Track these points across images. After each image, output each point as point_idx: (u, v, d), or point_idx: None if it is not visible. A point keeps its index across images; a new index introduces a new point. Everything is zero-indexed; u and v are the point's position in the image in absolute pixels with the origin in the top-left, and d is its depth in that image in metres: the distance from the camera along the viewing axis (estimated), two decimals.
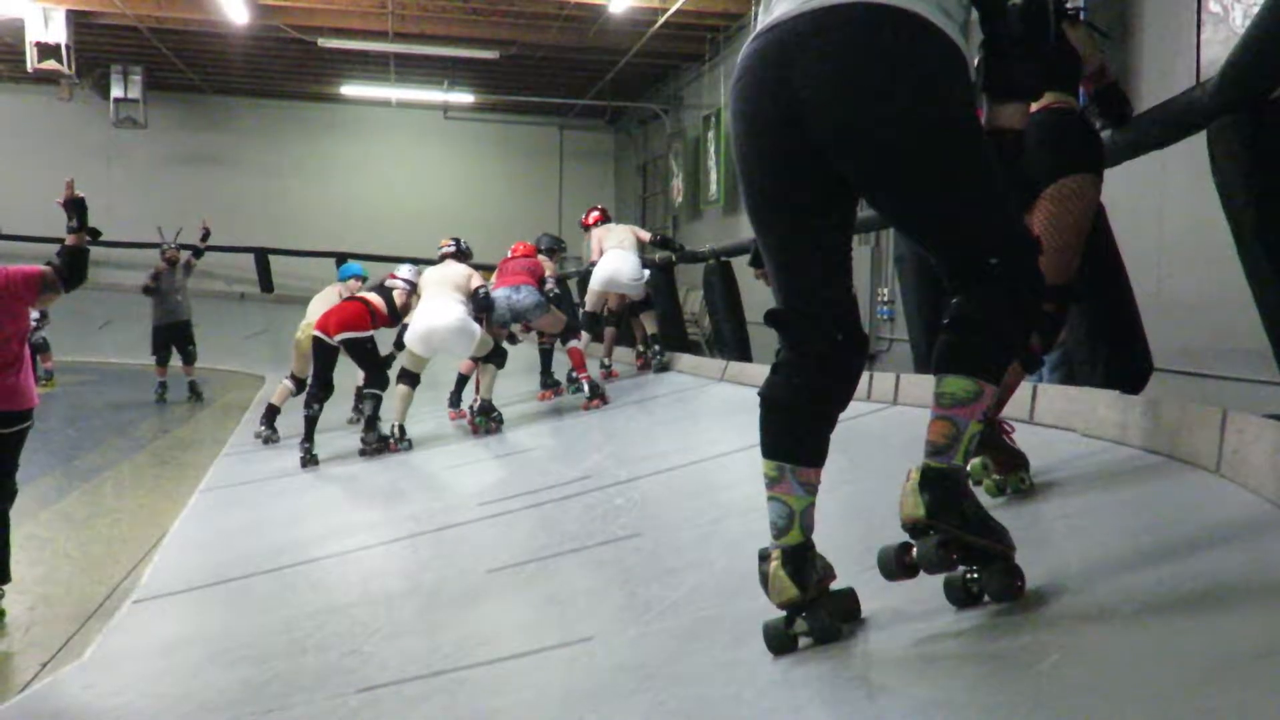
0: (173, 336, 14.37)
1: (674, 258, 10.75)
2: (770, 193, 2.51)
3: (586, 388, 9.08)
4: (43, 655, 4.79)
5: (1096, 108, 4.21)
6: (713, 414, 7.54)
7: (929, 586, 2.66)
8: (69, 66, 16.34)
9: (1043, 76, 2.53)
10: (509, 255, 9.93)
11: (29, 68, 16.33)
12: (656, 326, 10.37)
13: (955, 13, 2.39)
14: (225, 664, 4.17)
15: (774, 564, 2.64)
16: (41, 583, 6.26)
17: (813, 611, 2.67)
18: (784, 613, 2.67)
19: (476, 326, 8.80)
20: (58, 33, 15.93)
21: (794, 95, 2.37)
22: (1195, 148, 4.20)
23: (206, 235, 16.30)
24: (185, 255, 15.19)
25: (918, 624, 2.69)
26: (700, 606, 3.37)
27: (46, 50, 15.98)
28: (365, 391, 9.08)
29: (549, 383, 10.48)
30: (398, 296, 9.37)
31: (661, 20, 15.71)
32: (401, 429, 8.82)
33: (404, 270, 9.75)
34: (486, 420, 8.99)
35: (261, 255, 22.30)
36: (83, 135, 22.33)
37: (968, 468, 2.65)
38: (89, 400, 13.97)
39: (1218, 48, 6.56)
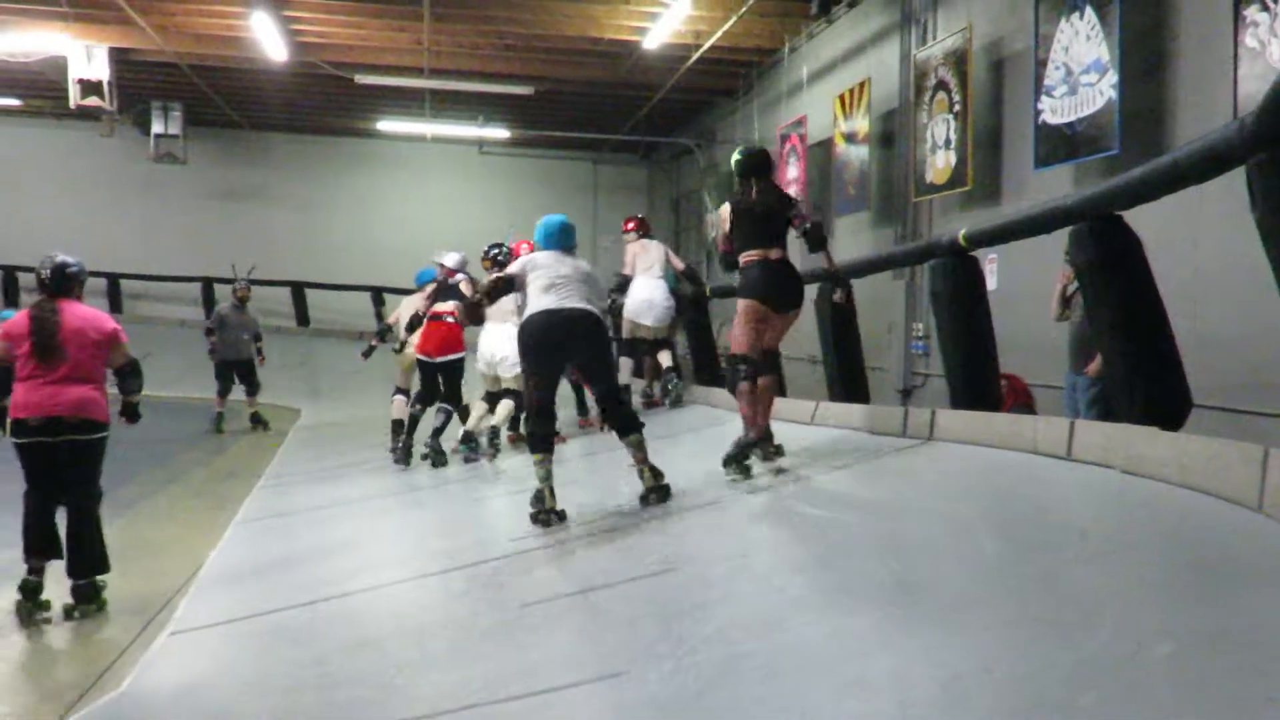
0: (237, 370, 15.03)
1: (705, 291, 10.79)
2: (549, 363, 6.37)
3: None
4: (81, 686, 4.80)
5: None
6: None
7: (969, 634, 2.64)
8: (110, 103, 16.57)
9: (819, 244, 6.45)
10: None
11: (72, 104, 16.56)
12: (674, 360, 10.42)
13: (600, 306, 6.65)
14: (259, 696, 4.17)
15: None
16: (80, 615, 6.30)
17: None
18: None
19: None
20: (100, 69, 16.17)
21: (571, 337, 6.35)
22: (1232, 182, 4.17)
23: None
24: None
25: (947, 667, 2.67)
26: (732, 641, 3.35)
27: (89, 87, 16.22)
28: (442, 407, 9.83)
29: (586, 410, 10.74)
30: (465, 288, 9.65)
31: (696, 56, 15.78)
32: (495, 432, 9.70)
33: (450, 259, 10.12)
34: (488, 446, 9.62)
35: (298, 289, 22.48)
36: (123, 170, 22.64)
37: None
38: (127, 433, 14.01)
39: (1255, 82, 6.53)
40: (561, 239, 7.03)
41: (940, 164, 10.87)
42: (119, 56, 16.50)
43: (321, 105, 21.48)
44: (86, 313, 6.57)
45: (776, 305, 6.35)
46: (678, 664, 3.22)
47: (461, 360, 9.91)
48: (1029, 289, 9.22)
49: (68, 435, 6.31)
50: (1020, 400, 7.97)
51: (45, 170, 22.95)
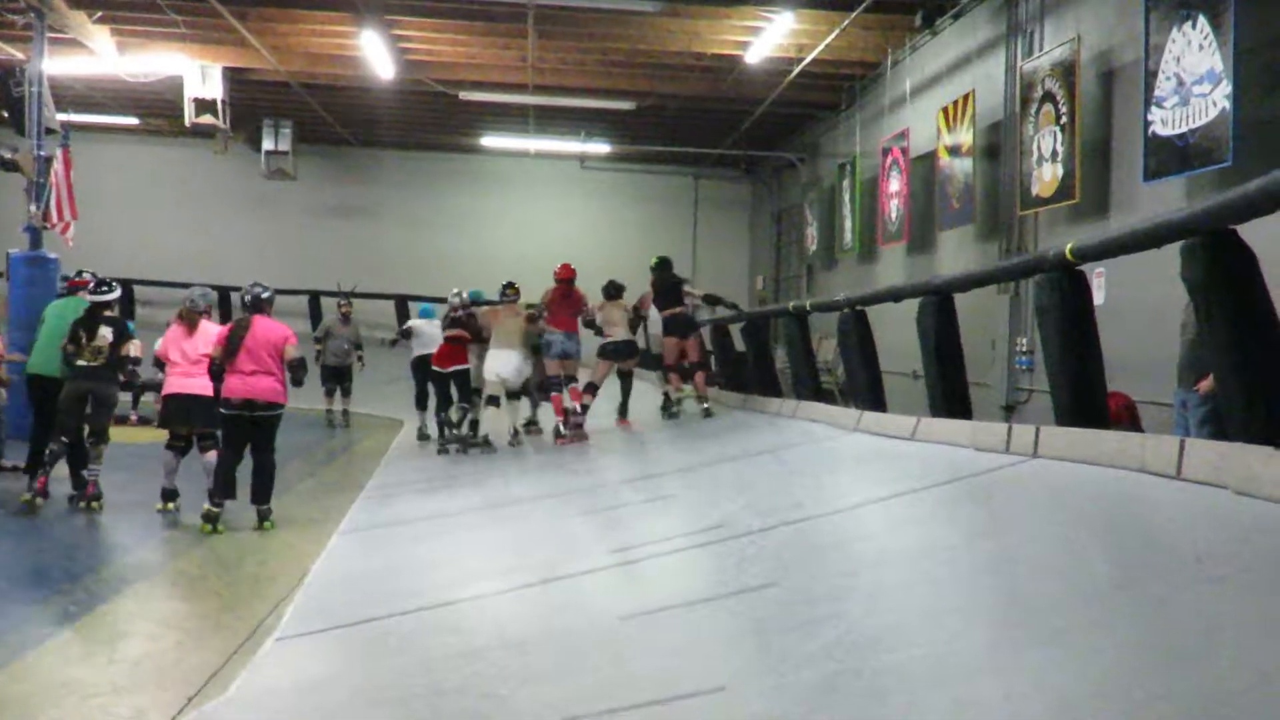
0: (338, 376, 17.29)
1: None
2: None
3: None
4: (188, 690, 4.91)
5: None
6: (845, 464, 7.46)
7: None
8: (224, 121, 17.05)
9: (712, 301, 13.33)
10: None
11: (187, 122, 17.08)
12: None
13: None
14: (364, 704, 4.23)
15: None
16: (189, 618, 6.46)
17: None
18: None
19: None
20: (214, 89, 16.65)
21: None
22: None
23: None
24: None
25: (1057, 692, 2.62)
26: (837, 659, 3.33)
27: (204, 105, 16.71)
28: (460, 405, 12.66)
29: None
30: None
31: (797, 70, 15.75)
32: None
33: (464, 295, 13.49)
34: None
35: (402, 302, 22.84)
36: (236, 187, 23.25)
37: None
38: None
39: None
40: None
41: (1047, 177, 10.71)
42: (233, 76, 16.98)
43: (427, 122, 21.84)
44: (271, 324, 9.23)
45: (679, 335, 12.38)
46: (780, 680, 3.21)
47: (468, 370, 12.77)
48: (1137, 304, 9.04)
49: (259, 412, 8.99)
50: (1127, 418, 7.80)
51: (161, 187, 23.66)
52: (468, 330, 12.88)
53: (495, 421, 12.36)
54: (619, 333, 12.52)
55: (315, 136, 22.68)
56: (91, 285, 10.01)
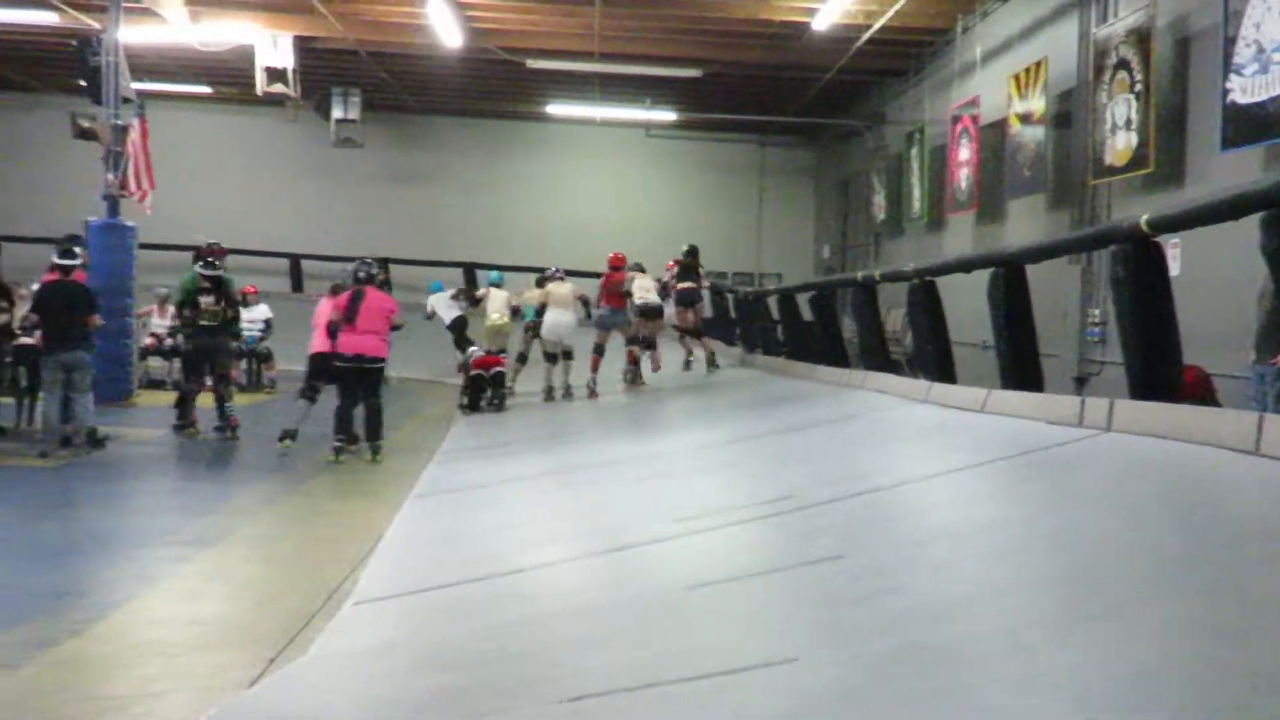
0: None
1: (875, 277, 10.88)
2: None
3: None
4: (269, 651, 5.01)
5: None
6: (914, 435, 7.43)
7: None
8: (294, 89, 17.22)
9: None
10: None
11: (259, 91, 17.27)
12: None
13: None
14: (436, 668, 4.30)
15: None
16: (266, 581, 6.60)
17: None
18: None
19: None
20: (285, 57, 16.81)
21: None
22: None
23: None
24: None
25: (1127, 667, 2.61)
26: (907, 630, 3.34)
27: (274, 74, 16.91)
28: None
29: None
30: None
31: (866, 36, 15.59)
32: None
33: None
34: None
35: (469, 270, 23.00)
36: (303, 154, 23.49)
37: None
38: (315, 411, 14.58)
39: None
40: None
41: (1120, 145, 10.54)
42: (303, 45, 17.12)
43: (492, 90, 21.91)
44: (377, 295, 11.24)
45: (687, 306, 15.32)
46: (851, 652, 3.23)
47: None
48: (1214, 276, 8.89)
49: (366, 364, 10.98)
50: (1202, 392, 7.69)
51: (232, 154, 23.97)
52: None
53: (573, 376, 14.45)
54: (651, 298, 14.63)
55: (381, 104, 22.84)
56: (200, 263, 12.20)
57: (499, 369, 14.45)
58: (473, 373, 14.33)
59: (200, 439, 12.09)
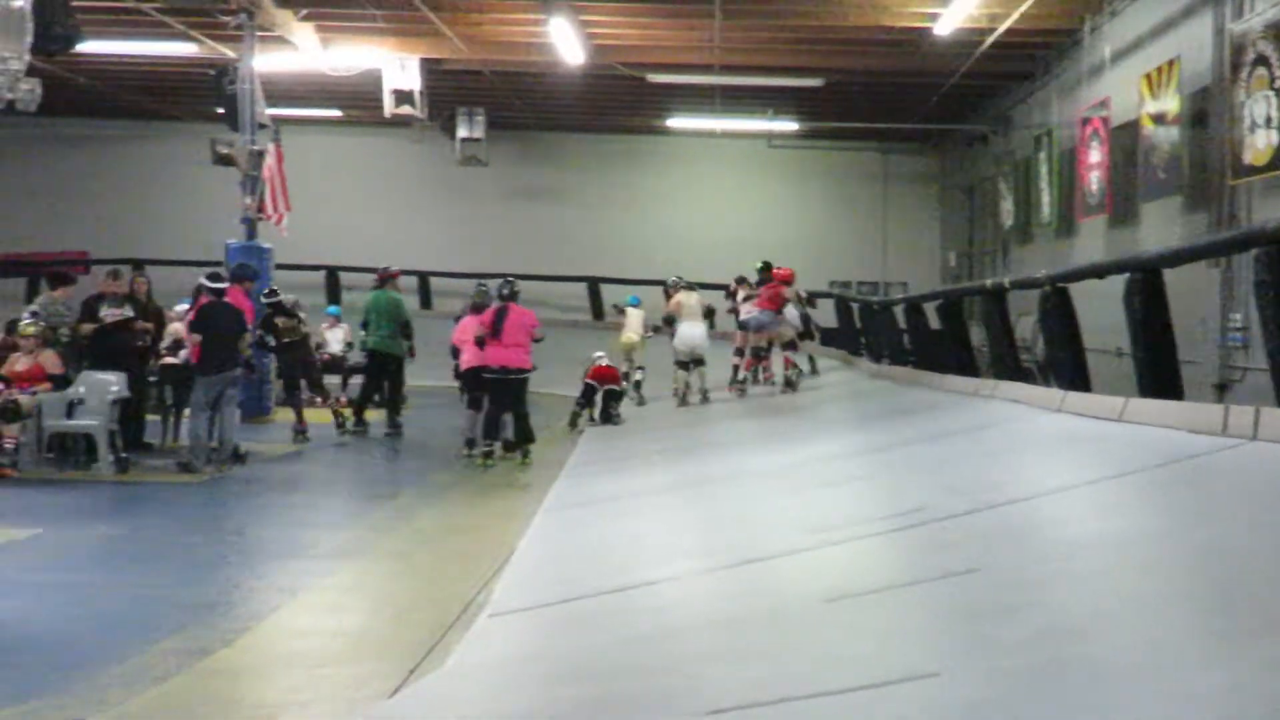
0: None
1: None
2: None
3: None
4: (408, 662, 5.13)
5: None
6: (1049, 446, 7.29)
7: None
8: (421, 110, 17.57)
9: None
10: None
11: (386, 113, 17.66)
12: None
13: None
14: (574, 680, 4.34)
15: None
16: (403, 594, 6.76)
17: None
18: None
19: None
20: (412, 80, 17.18)
21: None
22: None
23: None
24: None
25: None
26: (1048, 647, 3.29)
27: (402, 96, 17.27)
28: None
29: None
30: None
31: (990, 40, 15.37)
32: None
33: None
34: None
35: (593, 284, 23.15)
36: (429, 173, 23.94)
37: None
38: (436, 422, 14.87)
39: None
40: None
41: (1260, 144, 10.22)
42: (429, 67, 17.47)
43: (613, 105, 22.09)
44: (519, 310, 12.05)
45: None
46: (993, 667, 3.19)
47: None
48: None
49: (513, 375, 11.80)
50: None
51: (361, 176, 24.53)
52: None
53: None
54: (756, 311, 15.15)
55: (505, 122, 23.15)
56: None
57: (613, 386, 14.59)
58: (586, 380, 14.47)
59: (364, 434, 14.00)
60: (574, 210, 24.86)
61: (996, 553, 4.84)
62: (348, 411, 14.17)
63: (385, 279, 14.56)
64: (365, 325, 14.30)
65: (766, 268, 15.97)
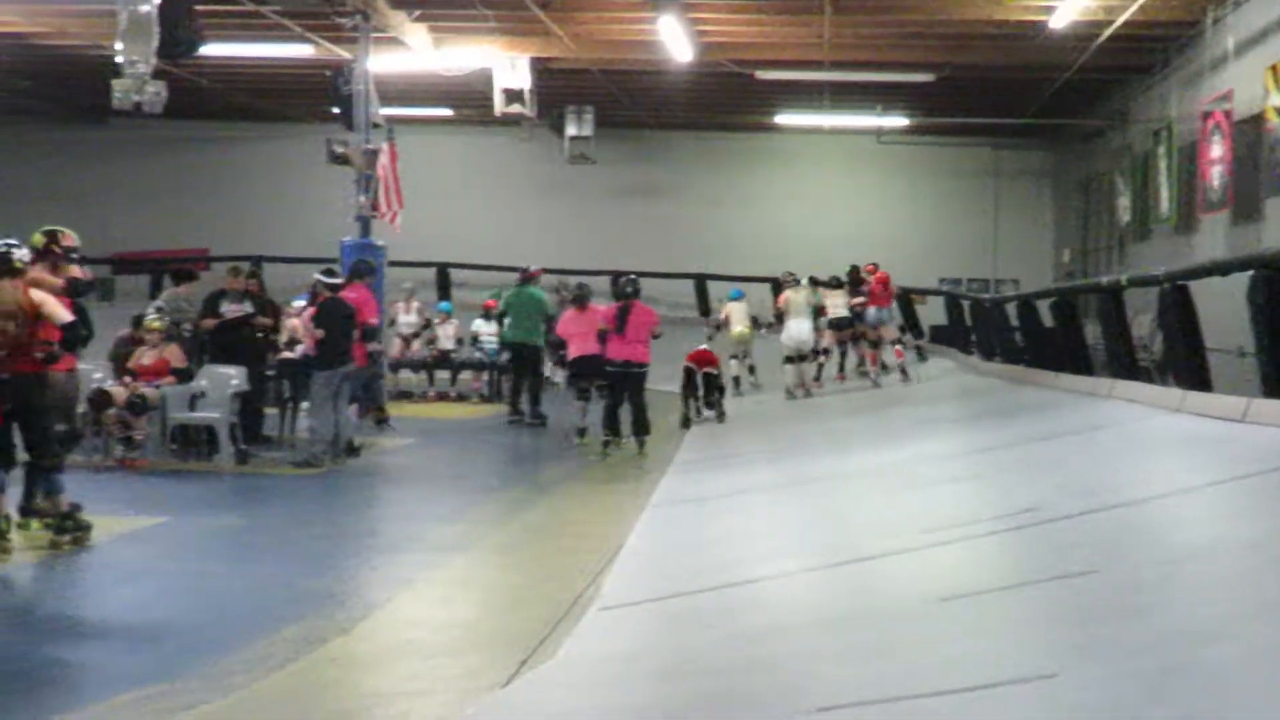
0: None
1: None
2: None
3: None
4: (519, 654, 5.18)
5: None
6: (1168, 447, 7.13)
7: None
8: (530, 109, 17.73)
9: None
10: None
11: (496, 112, 17.86)
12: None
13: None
14: (680, 676, 4.36)
15: None
16: (513, 587, 6.85)
17: None
18: None
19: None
20: (522, 79, 17.35)
21: None
22: None
23: None
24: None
25: None
26: (1169, 650, 3.23)
27: (512, 95, 17.45)
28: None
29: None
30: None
31: (1107, 33, 15.04)
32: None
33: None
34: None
35: (700, 281, 23.14)
36: (538, 172, 24.09)
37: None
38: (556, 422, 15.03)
39: None
40: None
41: None
42: (538, 66, 17.61)
43: (721, 102, 22.06)
44: (642, 308, 12.55)
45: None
46: (1113, 669, 3.14)
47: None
48: None
49: (633, 369, 12.30)
50: None
51: (472, 174, 24.80)
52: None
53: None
54: (841, 312, 15.90)
55: (613, 120, 23.21)
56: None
57: (711, 369, 14.46)
58: (685, 364, 14.38)
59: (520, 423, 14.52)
60: (681, 207, 24.84)
61: (1114, 555, 4.75)
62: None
63: (527, 278, 15.51)
64: (501, 318, 15.41)
65: (854, 271, 16.51)
